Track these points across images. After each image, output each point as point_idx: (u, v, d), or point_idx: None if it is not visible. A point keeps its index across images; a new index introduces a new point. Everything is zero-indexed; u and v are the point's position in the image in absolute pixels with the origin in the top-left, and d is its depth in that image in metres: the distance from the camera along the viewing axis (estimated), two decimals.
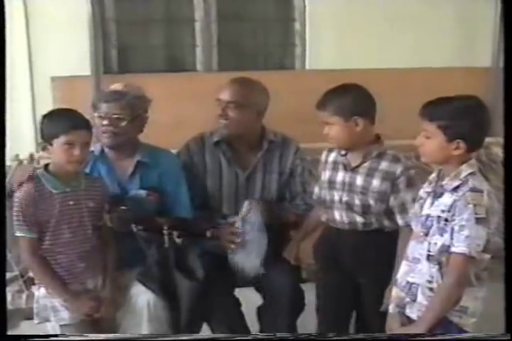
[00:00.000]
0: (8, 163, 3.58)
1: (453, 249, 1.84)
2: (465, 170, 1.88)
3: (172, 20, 4.12)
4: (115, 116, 2.43)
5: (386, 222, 2.24)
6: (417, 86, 3.77)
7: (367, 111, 2.23)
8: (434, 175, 2.00)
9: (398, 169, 2.19)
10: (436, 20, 3.95)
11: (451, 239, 1.84)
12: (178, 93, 3.80)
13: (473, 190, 1.83)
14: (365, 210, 2.22)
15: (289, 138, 2.67)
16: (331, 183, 2.31)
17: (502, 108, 1.88)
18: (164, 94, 3.85)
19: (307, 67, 4.14)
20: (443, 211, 1.87)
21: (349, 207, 2.25)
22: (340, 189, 2.27)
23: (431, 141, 1.90)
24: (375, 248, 2.25)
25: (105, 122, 2.42)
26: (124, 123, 2.43)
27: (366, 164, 2.23)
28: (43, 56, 3.83)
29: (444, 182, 1.91)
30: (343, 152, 2.29)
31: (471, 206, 1.81)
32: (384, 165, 2.21)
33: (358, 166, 2.24)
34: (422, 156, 1.97)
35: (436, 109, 1.90)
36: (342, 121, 2.18)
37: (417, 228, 1.99)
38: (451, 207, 1.85)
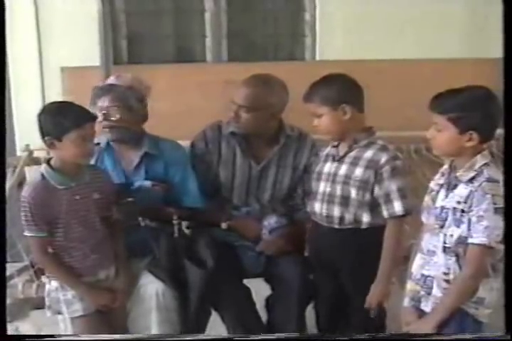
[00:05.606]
0: (18, 153, 3.60)
1: (471, 240, 1.82)
2: (479, 160, 1.86)
3: (181, 11, 4.09)
4: (107, 109, 2.42)
5: (365, 217, 2.21)
6: (427, 77, 3.74)
7: (354, 98, 2.20)
8: (446, 167, 1.98)
9: (383, 158, 2.16)
10: (446, 10, 3.91)
11: (469, 230, 1.82)
12: (187, 83, 3.80)
13: (489, 180, 1.81)
14: (344, 202, 2.20)
15: (306, 132, 2.61)
16: (319, 174, 2.30)
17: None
18: (174, 84, 3.85)
19: (317, 57, 4.11)
20: (459, 202, 1.85)
21: (330, 198, 2.23)
22: (325, 180, 2.26)
23: (442, 133, 1.87)
24: (353, 246, 2.23)
25: (100, 117, 2.40)
26: (117, 116, 2.42)
27: (352, 153, 2.22)
28: (53, 46, 3.82)
29: (458, 174, 1.90)
30: (335, 143, 2.28)
31: (489, 196, 1.79)
32: (369, 153, 2.19)
33: (344, 156, 2.23)
34: (434, 149, 1.95)
35: (445, 101, 1.87)
36: (330, 110, 2.17)
37: (429, 220, 1.97)
38: (467, 198, 1.83)
